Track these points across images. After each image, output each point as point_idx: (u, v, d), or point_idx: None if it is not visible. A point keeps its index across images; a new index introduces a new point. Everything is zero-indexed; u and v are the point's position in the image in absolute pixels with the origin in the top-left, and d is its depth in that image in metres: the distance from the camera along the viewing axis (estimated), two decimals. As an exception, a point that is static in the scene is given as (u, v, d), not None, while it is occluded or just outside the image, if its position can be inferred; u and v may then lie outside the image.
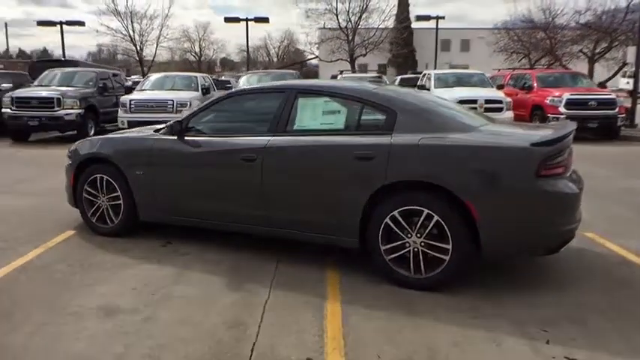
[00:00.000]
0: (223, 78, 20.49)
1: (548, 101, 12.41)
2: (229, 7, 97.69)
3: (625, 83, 26.24)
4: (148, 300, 3.35)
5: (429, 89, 13.22)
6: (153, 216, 4.47)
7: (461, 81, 13.65)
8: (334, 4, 33.21)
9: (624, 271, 3.91)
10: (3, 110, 11.53)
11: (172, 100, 11.60)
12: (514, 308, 3.24)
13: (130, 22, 33.52)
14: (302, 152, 3.74)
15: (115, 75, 14.54)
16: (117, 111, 12.01)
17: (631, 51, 15.37)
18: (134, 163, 4.37)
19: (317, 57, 40.15)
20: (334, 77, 17.34)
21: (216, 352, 2.71)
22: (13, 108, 11.40)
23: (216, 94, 11.69)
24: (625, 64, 21.32)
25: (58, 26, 25.27)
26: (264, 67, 51.73)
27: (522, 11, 27.30)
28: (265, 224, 3.95)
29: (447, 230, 3.31)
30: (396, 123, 3.53)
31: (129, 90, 13.04)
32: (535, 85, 13.39)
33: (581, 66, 22.90)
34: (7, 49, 43.39)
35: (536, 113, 12.76)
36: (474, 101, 11.75)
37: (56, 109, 11.37)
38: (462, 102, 11.61)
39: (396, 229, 3.45)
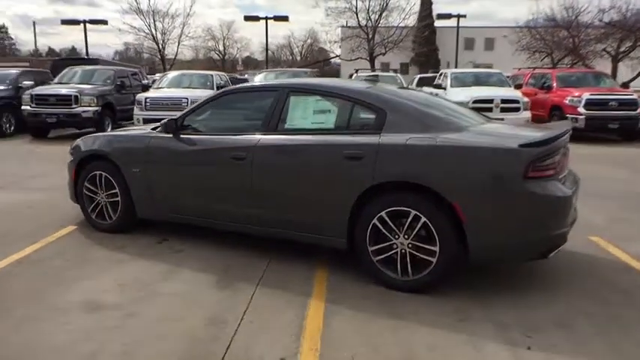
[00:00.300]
0: (239, 76, 20.63)
1: (567, 101, 12.12)
2: (254, 6, 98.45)
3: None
4: (133, 296, 3.38)
5: (445, 88, 13.08)
6: (149, 213, 4.51)
7: (478, 80, 13.44)
8: (354, 3, 33.11)
9: (623, 277, 3.78)
10: (23, 107, 11.82)
11: (187, 98, 11.71)
12: (502, 312, 3.17)
13: (152, 20, 34.12)
14: (291, 151, 3.73)
15: (133, 74, 14.75)
16: (134, 108, 12.21)
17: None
18: (131, 161, 4.42)
19: (337, 56, 40.07)
20: (351, 76, 17.27)
21: (191, 350, 2.71)
22: (33, 105, 11.68)
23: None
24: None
25: (88, 25, 25.93)
26: (287, 66, 51.95)
27: (545, 9, 26.72)
28: (256, 223, 3.95)
29: (434, 232, 3.26)
30: (386, 122, 3.48)
31: (146, 88, 13.22)
32: (554, 84, 13.08)
33: (604, 65, 22.27)
34: (36, 48, 44.57)
35: (555, 114, 12.46)
36: (490, 101, 11.56)
37: (74, 106, 11.60)
38: (477, 101, 11.49)
39: (384, 230, 3.41)
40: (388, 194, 3.40)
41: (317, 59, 54.61)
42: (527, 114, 11.61)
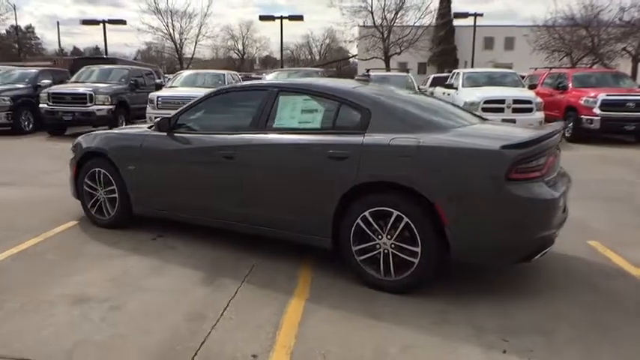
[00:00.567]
0: (254, 75, 20.77)
1: (582, 102, 11.88)
2: (275, 6, 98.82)
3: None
4: (121, 290, 3.46)
5: (456, 88, 12.96)
6: (144, 210, 4.60)
7: (491, 80, 13.25)
8: (369, 2, 32.92)
9: (616, 283, 3.71)
10: (40, 105, 12.12)
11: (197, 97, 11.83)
12: (483, 315, 3.15)
13: (170, 20, 34.58)
14: (278, 150, 3.76)
15: (148, 73, 14.98)
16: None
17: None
18: (127, 158, 4.52)
19: (354, 56, 39.95)
20: (366, 75, 17.23)
21: (168, 345, 2.77)
22: (50, 103, 11.97)
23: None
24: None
25: (108, 25, 26.46)
26: (305, 65, 52.09)
27: (563, 8, 26.18)
28: (245, 222, 4.00)
29: (416, 233, 3.25)
30: (370, 122, 3.49)
31: (159, 87, 13.41)
32: (570, 84, 12.84)
33: (624, 65, 21.74)
34: (60, 47, 45.48)
35: (569, 114, 12.24)
36: (502, 101, 11.40)
37: (89, 104, 11.86)
38: (488, 102, 11.36)
39: (368, 230, 3.42)
40: (371, 194, 3.40)
41: (335, 59, 54.63)
42: (541, 115, 11.42)
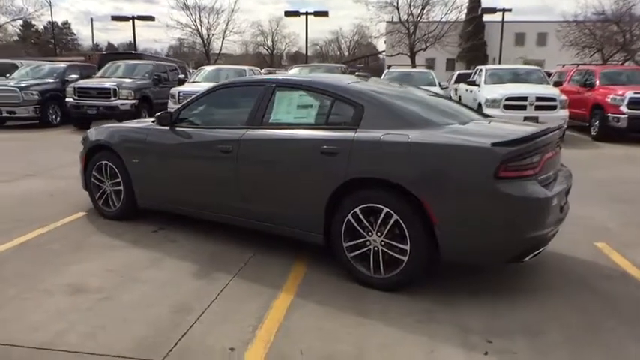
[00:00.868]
0: (277, 70, 20.86)
1: (609, 100, 11.49)
2: (304, 2, 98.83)
3: None
4: (116, 281, 3.54)
5: (478, 85, 12.72)
6: (148, 202, 4.69)
7: (515, 77, 12.92)
8: (395, -4, 32.47)
9: (616, 285, 3.59)
10: (66, 99, 12.47)
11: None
12: (472, 315, 3.10)
13: (198, 16, 35.04)
14: (273, 145, 3.77)
15: (172, 69, 15.22)
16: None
17: None
18: (131, 152, 4.61)
19: (382, 52, 39.61)
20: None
21: (150, 335, 2.81)
22: (75, 97, 12.30)
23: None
24: None
25: (139, 21, 27.02)
26: (334, 61, 52.03)
27: (593, 2, 25.20)
28: (242, 216, 4.03)
29: (405, 230, 3.22)
30: (363, 118, 3.46)
31: (182, 82, 13.62)
32: (597, 81, 12.43)
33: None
34: (93, 43, 46.72)
35: (596, 112, 11.86)
36: (524, 98, 11.10)
37: (112, 99, 12.14)
38: (510, 99, 11.09)
39: (358, 227, 3.40)
40: (362, 191, 3.38)
41: (364, 55, 54.33)
42: (565, 112, 11.09)
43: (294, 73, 14.70)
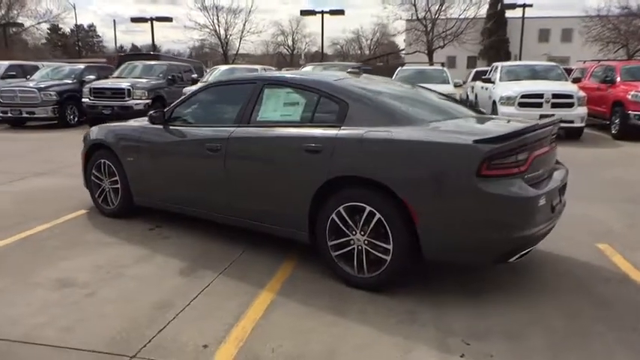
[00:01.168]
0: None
1: (630, 96, 11.11)
2: (325, 1, 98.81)
3: None
4: (102, 277, 3.57)
5: (493, 82, 12.48)
6: (143, 200, 4.73)
7: (533, 74, 12.63)
8: (413, -6, 32.09)
9: (613, 288, 3.46)
10: (83, 99, 12.73)
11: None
12: (454, 316, 3.02)
13: (215, 16, 35.38)
14: (259, 144, 3.76)
15: (187, 70, 15.40)
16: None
17: None
18: (127, 150, 4.66)
19: (400, 50, 39.29)
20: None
21: (125, 331, 2.82)
22: (91, 98, 12.55)
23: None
24: None
25: (160, 22, 27.47)
26: (355, 60, 51.90)
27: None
28: (232, 214, 4.03)
29: (388, 230, 3.16)
30: (347, 115, 3.42)
31: (195, 81, 13.75)
32: (618, 78, 12.06)
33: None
34: (117, 45, 47.52)
35: (616, 110, 11.50)
36: (540, 95, 10.84)
37: (126, 99, 12.34)
38: (525, 96, 10.85)
39: (342, 226, 3.36)
40: (345, 189, 3.34)
41: (383, 53, 53.99)
42: (583, 110, 10.80)
43: (306, 71, 14.71)
